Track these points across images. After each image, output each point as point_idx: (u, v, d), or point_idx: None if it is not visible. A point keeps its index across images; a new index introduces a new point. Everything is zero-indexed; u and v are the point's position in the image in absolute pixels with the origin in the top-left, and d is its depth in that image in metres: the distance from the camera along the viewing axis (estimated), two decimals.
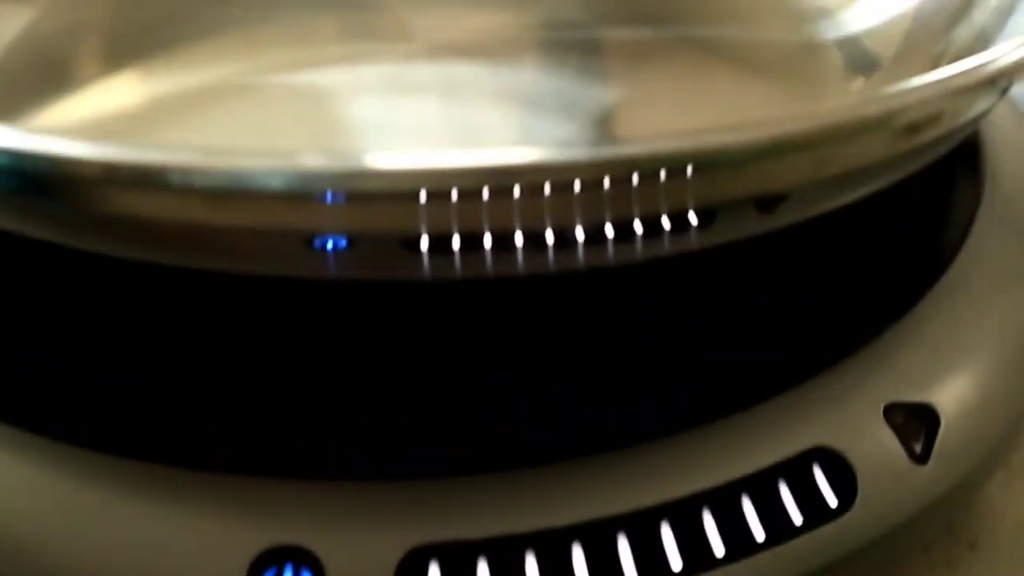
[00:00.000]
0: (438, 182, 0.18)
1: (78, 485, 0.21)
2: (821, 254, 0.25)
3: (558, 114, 0.31)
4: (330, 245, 0.20)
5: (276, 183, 0.18)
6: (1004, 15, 0.27)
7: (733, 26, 0.34)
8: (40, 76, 0.32)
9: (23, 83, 0.31)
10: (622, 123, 0.31)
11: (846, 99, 0.23)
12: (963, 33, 0.29)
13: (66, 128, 0.30)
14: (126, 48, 0.33)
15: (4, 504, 0.21)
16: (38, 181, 0.19)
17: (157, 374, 0.23)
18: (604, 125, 0.31)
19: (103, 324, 0.24)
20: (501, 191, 0.19)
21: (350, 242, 0.20)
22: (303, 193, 0.19)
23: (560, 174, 0.19)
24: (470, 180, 0.18)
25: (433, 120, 0.31)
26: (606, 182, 0.19)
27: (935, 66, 0.27)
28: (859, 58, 0.32)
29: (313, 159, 0.18)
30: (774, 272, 0.25)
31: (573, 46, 0.34)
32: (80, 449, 0.21)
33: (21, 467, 0.21)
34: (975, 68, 0.20)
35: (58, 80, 0.32)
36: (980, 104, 0.23)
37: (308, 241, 0.20)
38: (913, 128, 0.21)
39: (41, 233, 0.22)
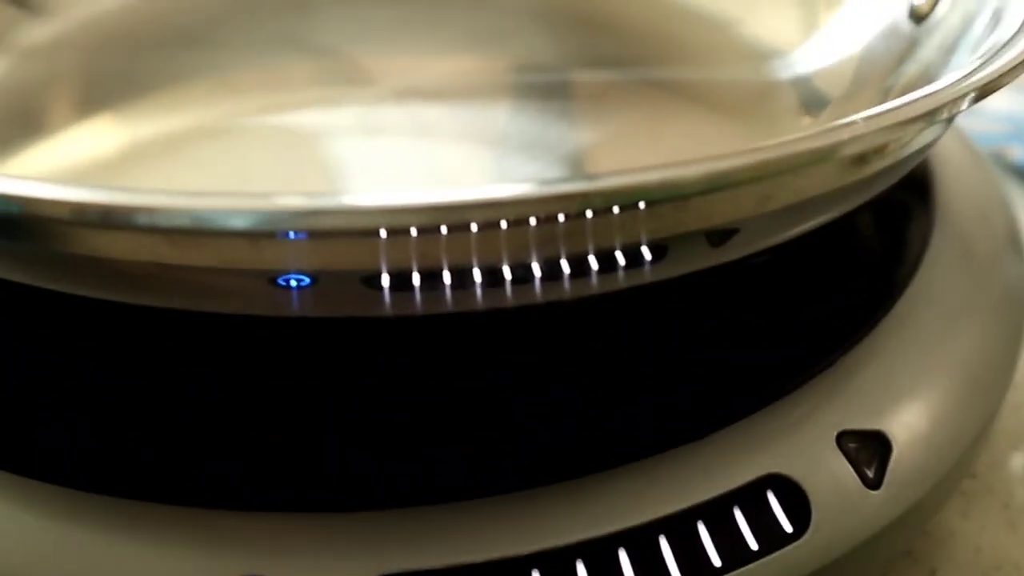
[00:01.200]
0: (397, 219, 0.19)
1: (60, 523, 0.21)
2: (775, 285, 0.26)
3: (524, 154, 0.32)
4: (293, 283, 0.21)
5: (237, 222, 0.18)
6: (948, 53, 0.28)
7: (693, 68, 0.35)
8: (14, 123, 0.32)
9: None
10: (587, 162, 0.32)
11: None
12: (910, 71, 0.30)
13: (40, 174, 0.30)
14: (100, 94, 0.34)
15: None
16: (6, 222, 0.20)
17: (126, 411, 0.23)
18: (569, 164, 0.32)
19: (73, 363, 0.24)
20: (457, 228, 0.19)
21: (313, 279, 0.21)
22: (264, 232, 0.19)
23: (512, 210, 0.19)
24: (427, 217, 0.19)
25: (402, 161, 0.31)
26: (559, 217, 0.20)
27: (882, 103, 0.28)
28: (811, 97, 0.32)
29: (274, 199, 0.18)
30: (730, 303, 0.26)
31: (539, 88, 0.35)
32: (48, 485, 0.22)
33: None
34: (914, 101, 0.20)
35: (32, 127, 0.32)
36: (923, 136, 0.23)
37: (272, 279, 0.21)
38: (857, 160, 0.21)
39: (8, 274, 0.22)
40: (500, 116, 0.34)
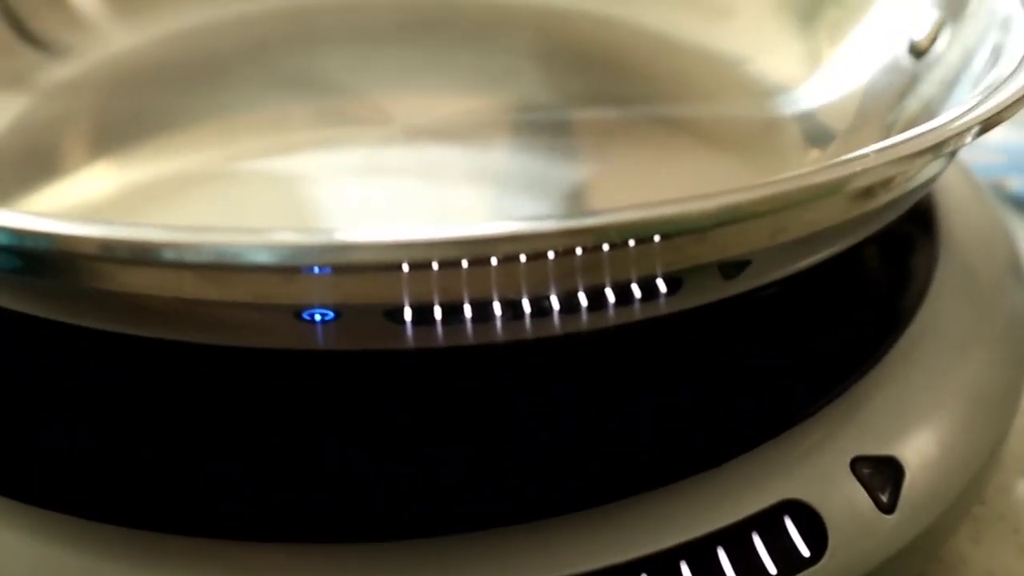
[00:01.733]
0: (419, 253, 0.19)
1: (75, 554, 0.22)
2: (787, 317, 0.27)
3: (530, 192, 0.32)
4: (318, 317, 0.21)
5: (265, 258, 0.19)
6: (949, 88, 0.29)
7: (697, 104, 0.36)
8: (30, 161, 0.33)
9: (12, 169, 0.32)
10: (592, 199, 0.33)
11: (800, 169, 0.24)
12: (911, 105, 0.30)
13: (54, 212, 0.30)
14: (113, 134, 0.35)
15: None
16: (35, 258, 0.20)
17: (143, 444, 0.24)
18: (574, 201, 0.32)
19: (92, 397, 0.25)
20: (478, 262, 0.20)
21: (337, 313, 0.21)
22: (291, 267, 0.20)
23: (533, 244, 0.19)
24: (448, 251, 0.19)
25: (409, 200, 0.32)
26: (577, 251, 0.20)
27: (886, 136, 0.29)
28: (815, 132, 0.33)
29: (299, 235, 0.19)
30: (743, 334, 0.26)
31: (544, 127, 0.35)
32: (76, 519, 0.22)
33: (18, 539, 0.22)
34: (918, 136, 0.21)
35: (47, 166, 0.33)
36: (927, 170, 0.24)
37: (296, 314, 0.21)
38: (866, 192, 0.22)
39: (36, 310, 0.23)
40: (506, 155, 0.34)
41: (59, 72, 0.36)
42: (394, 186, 0.33)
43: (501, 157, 0.34)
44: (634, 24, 0.40)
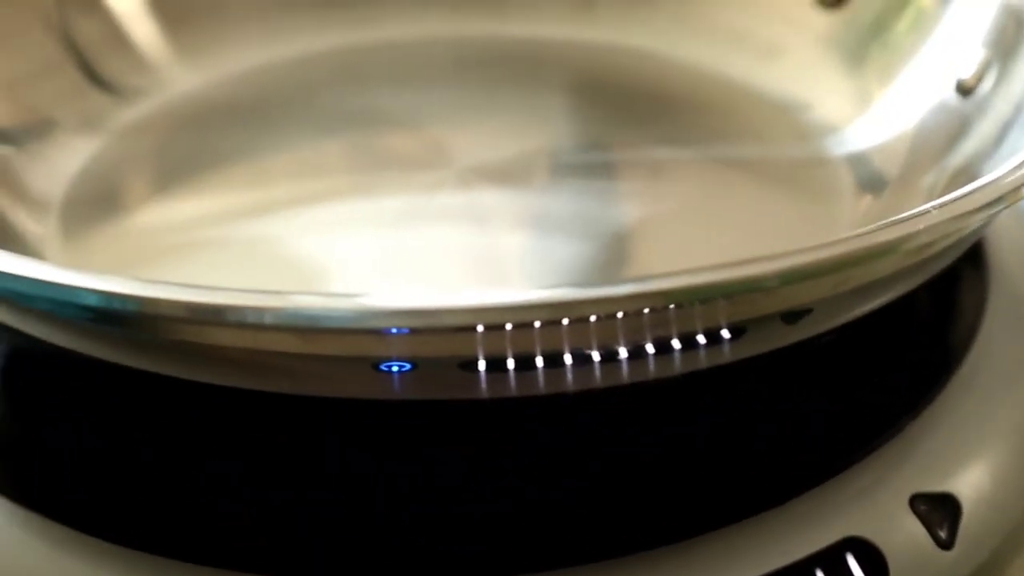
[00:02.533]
0: (493, 318, 0.20)
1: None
2: (844, 359, 0.27)
3: (581, 235, 0.33)
4: (395, 368, 0.22)
5: (346, 322, 0.20)
6: (1002, 129, 0.30)
7: (746, 144, 0.36)
8: (98, 203, 0.34)
9: (84, 209, 0.33)
10: (643, 241, 0.33)
11: (864, 223, 0.25)
12: (964, 148, 0.31)
13: (117, 255, 0.32)
14: (173, 176, 0.36)
15: None
16: (122, 318, 0.21)
17: (211, 488, 0.25)
18: (626, 243, 0.33)
19: (156, 437, 0.26)
20: (552, 322, 0.21)
21: (413, 365, 0.22)
22: (373, 329, 0.21)
23: (602, 308, 0.20)
24: (522, 315, 0.20)
25: (461, 247, 0.32)
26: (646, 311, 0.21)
27: (940, 181, 0.29)
28: (867, 175, 0.34)
29: (379, 298, 0.20)
30: (803, 378, 0.27)
31: (593, 168, 0.36)
32: (139, 552, 0.23)
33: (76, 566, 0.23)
34: (980, 190, 0.22)
35: (112, 207, 0.34)
36: (980, 222, 0.25)
37: (374, 365, 0.22)
38: (924, 247, 0.23)
39: (118, 359, 0.24)
40: (557, 197, 0.35)
41: (127, 114, 0.38)
42: (444, 231, 0.33)
43: (548, 200, 0.35)
44: (683, 63, 0.40)
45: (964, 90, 0.32)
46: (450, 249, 0.32)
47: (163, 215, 0.34)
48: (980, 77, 0.32)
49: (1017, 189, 0.22)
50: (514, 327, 0.21)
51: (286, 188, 0.35)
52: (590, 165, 0.36)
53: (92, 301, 0.20)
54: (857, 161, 0.34)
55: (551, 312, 0.20)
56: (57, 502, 0.25)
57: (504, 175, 0.35)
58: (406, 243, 0.32)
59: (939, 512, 0.25)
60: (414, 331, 0.21)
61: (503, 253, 0.32)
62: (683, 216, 0.33)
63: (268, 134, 0.37)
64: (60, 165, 0.35)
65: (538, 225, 0.33)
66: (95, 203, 0.34)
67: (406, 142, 0.37)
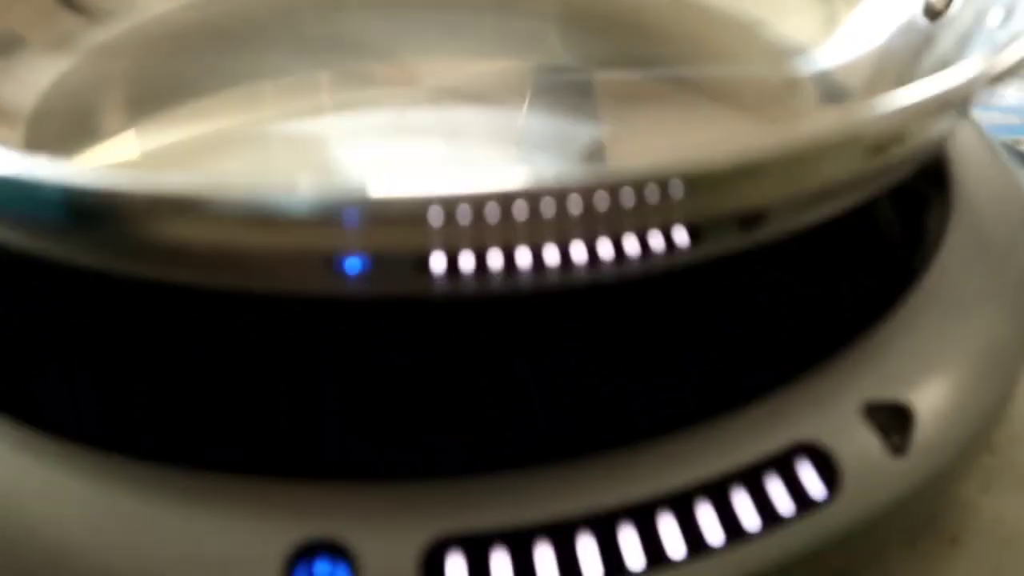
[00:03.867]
0: (449, 204, 0.20)
1: (117, 491, 0.23)
2: (805, 267, 0.28)
3: (551, 151, 0.33)
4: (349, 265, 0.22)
5: (301, 208, 0.20)
6: (962, 47, 0.30)
7: (716, 65, 0.37)
8: (68, 123, 0.34)
9: (53, 128, 0.33)
10: (611, 157, 0.33)
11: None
12: (927, 64, 0.31)
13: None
14: (145, 99, 0.36)
15: (47, 512, 0.23)
16: (87, 212, 0.21)
17: (195, 387, 0.25)
18: (594, 160, 0.33)
19: (141, 341, 0.26)
20: (504, 211, 0.21)
21: (368, 262, 0.22)
22: (327, 217, 0.21)
23: (557, 194, 0.20)
24: (476, 202, 0.20)
25: (433, 159, 0.32)
26: (601, 202, 0.21)
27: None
28: (832, 90, 0.34)
29: (335, 186, 0.20)
30: (761, 282, 0.27)
31: (565, 88, 0.36)
32: (121, 457, 0.23)
33: (62, 476, 0.23)
34: (931, 88, 0.22)
35: (87, 128, 0.34)
36: (939, 124, 0.25)
37: (328, 262, 0.22)
38: (878, 146, 0.23)
39: (83, 259, 0.24)
40: (529, 116, 0.35)
41: (98, 36, 0.38)
42: (419, 145, 0.33)
43: (524, 118, 0.35)
44: None
45: (932, 13, 0.32)
46: (422, 161, 0.32)
47: (131, 137, 0.34)
48: (948, 1, 0.32)
49: (965, 87, 0.22)
50: (465, 220, 0.21)
51: (261, 110, 0.35)
52: (560, 85, 0.36)
53: (51, 195, 0.20)
54: (822, 79, 0.34)
55: (502, 200, 0.20)
56: (17, 402, 0.24)
57: (476, 94, 0.35)
58: (375, 157, 0.32)
59: (893, 420, 0.25)
60: (366, 219, 0.21)
61: (475, 165, 0.32)
62: (654, 135, 0.33)
63: (242, 58, 0.37)
64: (29, 82, 0.34)
65: (510, 141, 0.33)
66: (64, 122, 0.34)
67: (382, 64, 0.37)
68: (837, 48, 0.35)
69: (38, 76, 0.35)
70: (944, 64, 0.30)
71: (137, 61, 0.37)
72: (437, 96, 0.35)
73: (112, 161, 0.33)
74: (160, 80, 0.36)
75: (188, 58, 0.37)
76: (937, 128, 0.25)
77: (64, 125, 0.33)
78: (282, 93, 0.36)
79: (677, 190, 0.21)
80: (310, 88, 0.37)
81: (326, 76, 0.37)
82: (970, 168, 0.32)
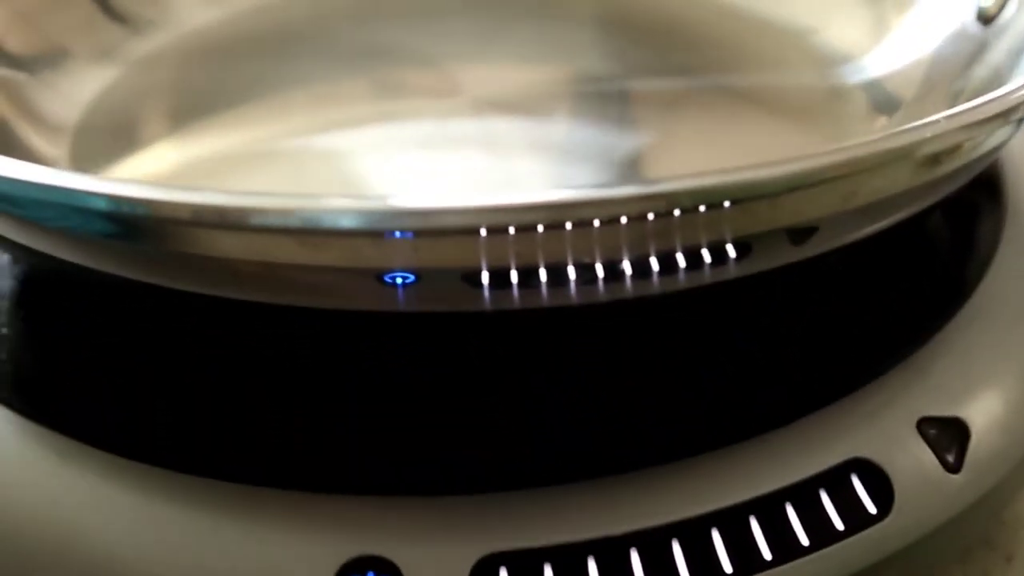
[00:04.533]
0: (497, 218, 0.20)
1: (169, 507, 0.23)
2: (857, 282, 0.27)
3: (593, 161, 0.33)
4: (399, 280, 0.22)
5: (350, 222, 0.20)
6: (1017, 55, 0.29)
7: (760, 74, 0.36)
8: (111, 134, 0.34)
9: (98, 139, 0.33)
10: (654, 168, 0.33)
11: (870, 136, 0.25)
12: (979, 73, 0.30)
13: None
14: (187, 109, 0.36)
15: (93, 525, 0.23)
16: (130, 224, 0.21)
17: (245, 402, 0.25)
18: (637, 170, 0.33)
19: (191, 357, 0.26)
20: (553, 227, 0.21)
21: (417, 277, 0.22)
22: (375, 231, 0.20)
23: (606, 210, 0.20)
24: (524, 216, 0.20)
25: (473, 171, 0.32)
26: (649, 216, 0.21)
27: (953, 105, 0.29)
28: (882, 100, 0.33)
29: (382, 201, 0.20)
30: (815, 298, 0.27)
31: (607, 97, 0.36)
32: (169, 471, 0.23)
33: (109, 489, 0.23)
34: (989, 103, 0.22)
35: (128, 137, 0.34)
36: (995, 137, 0.24)
37: (378, 277, 0.22)
38: (933, 159, 0.22)
39: (124, 272, 0.24)
40: (570, 126, 0.35)
41: (140, 47, 0.38)
42: (459, 157, 0.33)
43: (564, 128, 0.35)
44: None
45: (985, 18, 0.32)
46: (462, 173, 0.32)
47: (175, 147, 0.34)
48: (1002, 5, 0.32)
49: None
50: (516, 231, 0.21)
51: (301, 120, 0.35)
52: (602, 94, 0.36)
53: (100, 205, 0.20)
54: (872, 87, 0.34)
55: (554, 213, 0.20)
56: (68, 416, 0.25)
57: (517, 105, 0.35)
58: (418, 168, 0.32)
59: (947, 436, 0.25)
60: (417, 234, 0.21)
61: (516, 176, 0.32)
62: (697, 145, 0.32)
63: (282, 68, 0.37)
64: (74, 94, 0.35)
65: (551, 151, 0.33)
66: (109, 132, 0.34)
67: (421, 73, 0.37)
68: (886, 56, 0.35)
69: (82, 89, 0.35)
70: (997, 72, 0.30)
71: (179, 72, 0.37)
72: (475, 106, 0.35)
73: (152, 171, 0.33)
74: (201, 90, 0.36)
75: (229, 68, 0.37)
76: (994, 140, 0.24)
77: (108, 137, 0.33)
78: (320, 103, 0.36)
79: (727, 205, 0.21)
80: (349, 97, 0.36)
81: (365, 85, 0.37)
82: (1023, 177, 0.31)
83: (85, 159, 0.32)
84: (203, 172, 0.33)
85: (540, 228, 0.21)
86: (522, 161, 0.33)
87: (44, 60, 0.35)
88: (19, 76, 0.34)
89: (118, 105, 0.35)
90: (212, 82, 0.37)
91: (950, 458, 0.24)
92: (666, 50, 0.38)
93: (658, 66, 0.37)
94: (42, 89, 0.34)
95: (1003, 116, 0.21)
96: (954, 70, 0.32)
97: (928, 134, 0.21)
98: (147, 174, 0.32)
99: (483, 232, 0.20)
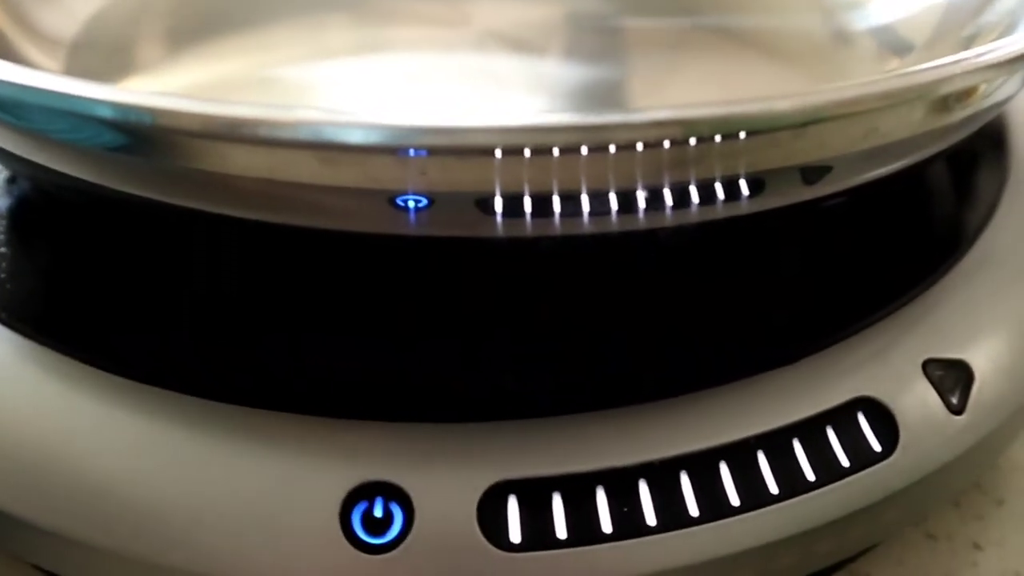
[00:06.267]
0: (512, 139, 0.20)
1: (178, 429, 0.23)
2: (866, 224, 0.27)
3: (595, 102, 0.32)
4: (412, 203, 0.22)
5: (362, 138, 0.19)
6: None
7: (765, 16, 0.36)
8: (104, 56, 0.33)
9: (91, 60, 0.33)
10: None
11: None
12: (991, 19, 0.30)
13: None
14: (182, 34, 0.35)
15: (101, 447, 0.23)
16: (139, 136, 0.21)
17: (255, 326, 0.25)
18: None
19: (200, 279, 0.26)
20: (567, 151, 0.20)
21: (430, 200, 0.22)
22: (390, 147, 0.20)
23: (626, 134, 0.20)
24: (537, 138, 0.20)
25: (471, 107, 0.32)
26: (664, 145, 0.21)
27: (965, 49, 0.29)
28: (893, 42, 0.33)
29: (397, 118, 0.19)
30: (824, 239, 0.27)
31: (610, 36, 0.35)
32: (182, 395, 0.23)
33: (116, 411, 0.23)
34: (1006, 47, 0.21)
35: (119, 61, 0.33)
36: (1009, 84, 0.24)
37: (391, 199, 0.22)
38: (948, 103, 0.22)
39: (131, 187, 0.23)
40: (574, 66, 0.34)
41: None
42: (461, 92, 0.32)
43: (566, 67, 0.34)
44: None
45: None
46: (459, 109, 0.31)
47: (172, 68, 0.33)
48: None
49: None
50: (532, 154, 0.20)
51: (300, 46, 0.34)
52: (606, 33, 0.35)
53: (107, 113, 0.20)
54: (882, 33, 0.34)
55: (573, 136, 0.20)
56: (71, 337, 0.24)
57: (519, 40, 0.34)
58: (416, 101, 0.31)
59: (952, 378, 0.25)
60: (432, 151, 0.20)
61: (513, 115, 0.31)
62: (699, 88, 0.32)
63: None
64: (73, 7, 0.34)
65: (550, 90, 0.33)
66: (104, 50, 0.33)
67: (423, 3, 0.36)
68: (898, 2, 0.35)
69: (83, 4, 0.34)
70: (1009, 19, 0.29)
71: None
72: (479, 40, 0.34)
73: (149, 83, 0.32)
74: (196, 14, 0.35)
75: None
76: (1005, 89, 0.24)
77: (103, 55, 0.33)
78: (322, 28, 0.35)
79: (743, 138, 0.21)
80: (351, 23, 0.36)
81: (369, 11, 0.36)
82: None
83: (79, 75, 0.31)
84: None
85: (556, 152, 0.20)
86: (519, 97, 0.32)
87: None
88: None
89: (116, 22, 0.34)
90: (210, 5, 0.36)
91: (954, 400, 0.24)
92: None
93: (664, 7, 0.36)
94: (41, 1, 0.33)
95: (1018, 61, 0.21)
96: (966, 16, 0.32)
97: (947, 73, 0.20)
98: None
99: (498, 153, 0.20)
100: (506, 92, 0.32)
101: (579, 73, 0.33)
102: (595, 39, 0.35)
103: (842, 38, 0.34)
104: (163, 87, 0.32)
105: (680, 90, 0.32)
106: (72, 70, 0.31)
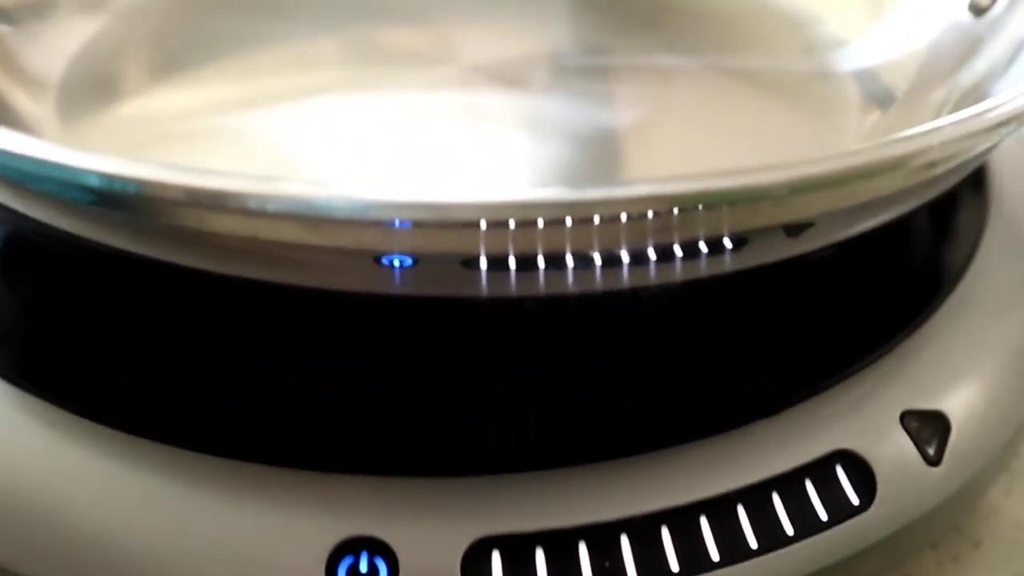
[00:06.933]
0: (499, 214, 0.20)
1: (165, 482, 0.23)
2: (840, 275, 0.28)
3: (580, 138, 0.32)
4: (396, 263, 0.22)
5: (347, 213, 0.20)
6: (1017, 46, 0.29)
7: (751, 55, 0.36)
8: (96, 85, 0.33)
9: (82, 90, 0.33)
10: (642, 146, 0.32)
11: (870, 137, 0.25)
12: (976, 67, 0.31)
13: (120, 140, 0.31)
14: (171, 62, 0.35)
15: (87, 498, 0.23)
16: (123, 200, 0.21)
17: (241, 379, 0.25)
18: (626, 148, 0.32)
19: (187, 330, 0.26)
20: (555, 223, 0.21)
21: (415, 260, 0.22)
22: (374, 221, 0.20)
23: (608, 209, 0.20)
24: (524, 213, 0.20)
25: (454, 145, 0.32)
26: (649, 214, 0.21)
27: (950, 99, 0.29)
28: (875, 90, 0.33)
29: (380, 190, 0.20)
30: (801, 291, 0.27)
31: (596, 73, 0.35)
32: (168, 447, 0.23)
33: (103, 461, 0.23)
34: (991, 110, 0.22)
35: (110, 91, 0.33)
36: (993, 140, 0.24)
37: (376, 259, 0.22)
38: (933, 164, 0.23)
39: (123, 245, 0.23)
40: (559, 101, 0.34)
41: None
42: (444, 129, 0.33)
43: (551, 102, 0.34)
44: None
45: (977, 10, 0.32)
46: (446, 146, 0.31)
47: (159, 102, 0.33)
48: None
49: None
50: (517, 225, 0.21)
51: (286, 79, 0.34)
52: (592, 69, 0.35)
53: (94, 182, 0.20)
54: (865, 76, 0.34)
55: (557, 211, 0.20)
56: (62, 388, 0.25)
57: (505, 76, 0.34)
58: (403, 139, 0.32)
59: (929, 429, 0.25)
60: (417, 225, 0.21)
61: (500, 152, 0.32)
62: (683, 124, 0.32)
63: (270, 22, 0.37)
64: (58, 45, 0.34)
65: (537, 127, 0.33)
66: (92, 86, 0.33)
67: (409, 37, 0.37)
68: (880, 46, 0.35)
69: (67, 41, 0.34)
70: (994, 68, 0.30)
71: (162, 23, 0.37)
72: (463, 76, 0.34)
73: (130, 130, 0.32)
74: (185, 42, 0.36)
75: (216, 20, 0.37)
76: (988, 146, 0.24)
77: (91, 91, 0.33)
78: (304, 61, 0.35)
79: (726, 207, 0.21)
80: (334, 59, 0.36)
81: (352, 46, 0.37)
82: (1007, 170, 0.31)
83: (70, 115, 0.32)
84: (185, 125, 0.32)
85: (540, 223, 0.21)
86: (504, 137, 0.33)
87: (29, 11, 0.34)
88: (3, 28, 0.33)
89: (101, 55, 0.34)
90: (196, 35, 0.36)
91: (931, 451, 0.25)
92: (654, 25, 0.38)
93: (646, 42, 0.37)
94: (26, 41, 0.34)
95: (1003, 124, 0.22)
96: (950, 63, 0.32)
97: (935, 141, 0.21)
98: (124, 135, 0.32)
99: (483, 225, 0.20)
100: (492, 128, 0.33)
101: (565, 109, 0.34)
102: (581, 75, 0.35)
103: (827, 77, 0.34)
104: (139, 114, 0.32)
105: (668, 128, 0.32)
106: (61, 110, 0.32)
